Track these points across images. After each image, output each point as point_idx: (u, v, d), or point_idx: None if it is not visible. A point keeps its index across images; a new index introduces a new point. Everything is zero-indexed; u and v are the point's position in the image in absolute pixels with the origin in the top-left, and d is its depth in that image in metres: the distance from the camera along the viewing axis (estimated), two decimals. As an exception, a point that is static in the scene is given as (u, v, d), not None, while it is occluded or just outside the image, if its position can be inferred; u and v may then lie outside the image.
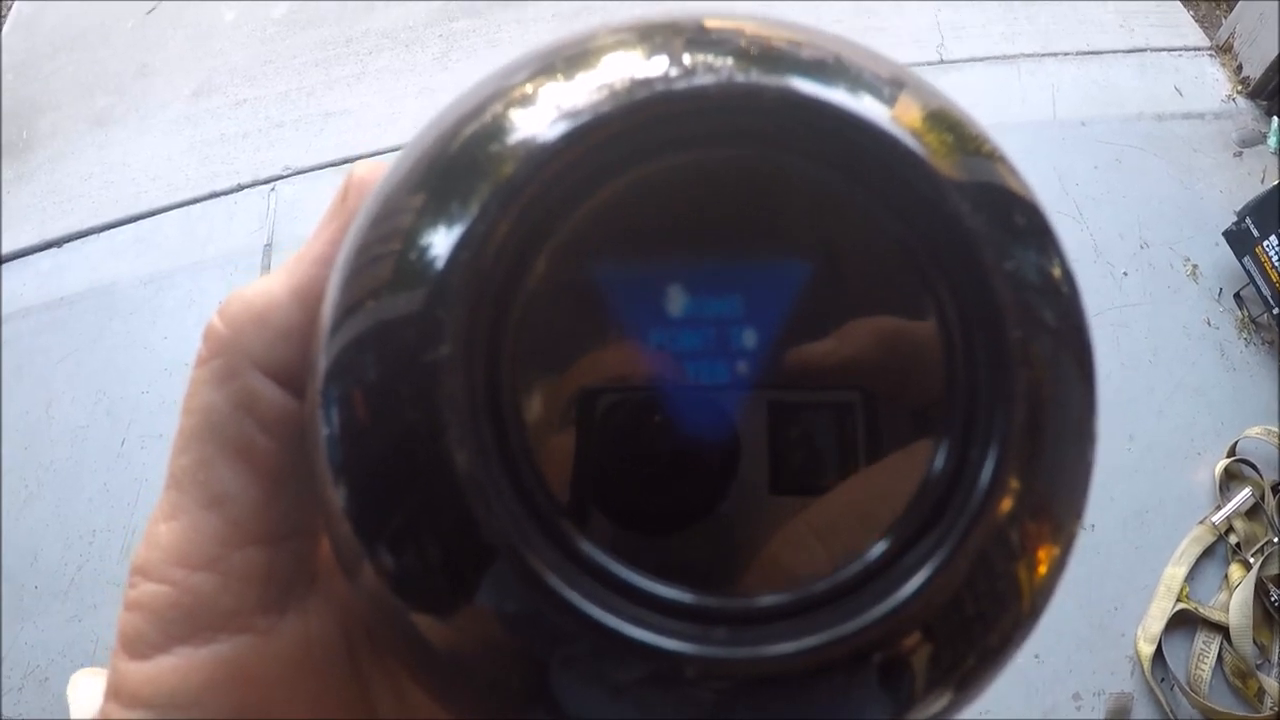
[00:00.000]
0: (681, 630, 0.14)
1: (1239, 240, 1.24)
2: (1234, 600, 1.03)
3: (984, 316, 0.15)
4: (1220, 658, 1.03)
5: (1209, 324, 1.25)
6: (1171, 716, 1.00)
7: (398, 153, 0.17)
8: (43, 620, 1.15)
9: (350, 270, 0.16)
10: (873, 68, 0.16)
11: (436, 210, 0.15)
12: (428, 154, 0.16)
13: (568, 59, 0.16)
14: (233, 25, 1.79)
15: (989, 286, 0.14)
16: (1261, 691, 1.00)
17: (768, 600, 0.14)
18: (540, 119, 0.15)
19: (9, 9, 1.90)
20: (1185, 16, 1.62)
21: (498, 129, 0.15)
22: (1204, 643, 1.03)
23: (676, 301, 0.15)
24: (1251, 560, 1.06)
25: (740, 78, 0.15)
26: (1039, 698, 1.02)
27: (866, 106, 0.15)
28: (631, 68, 0.15)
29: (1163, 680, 1.02)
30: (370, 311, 0.15)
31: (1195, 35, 1.59)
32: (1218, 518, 1.09)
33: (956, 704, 0.15)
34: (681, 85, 0.15)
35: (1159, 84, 1.50)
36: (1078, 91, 1.49)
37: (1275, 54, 1.41)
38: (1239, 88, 1.49)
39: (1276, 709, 0.99)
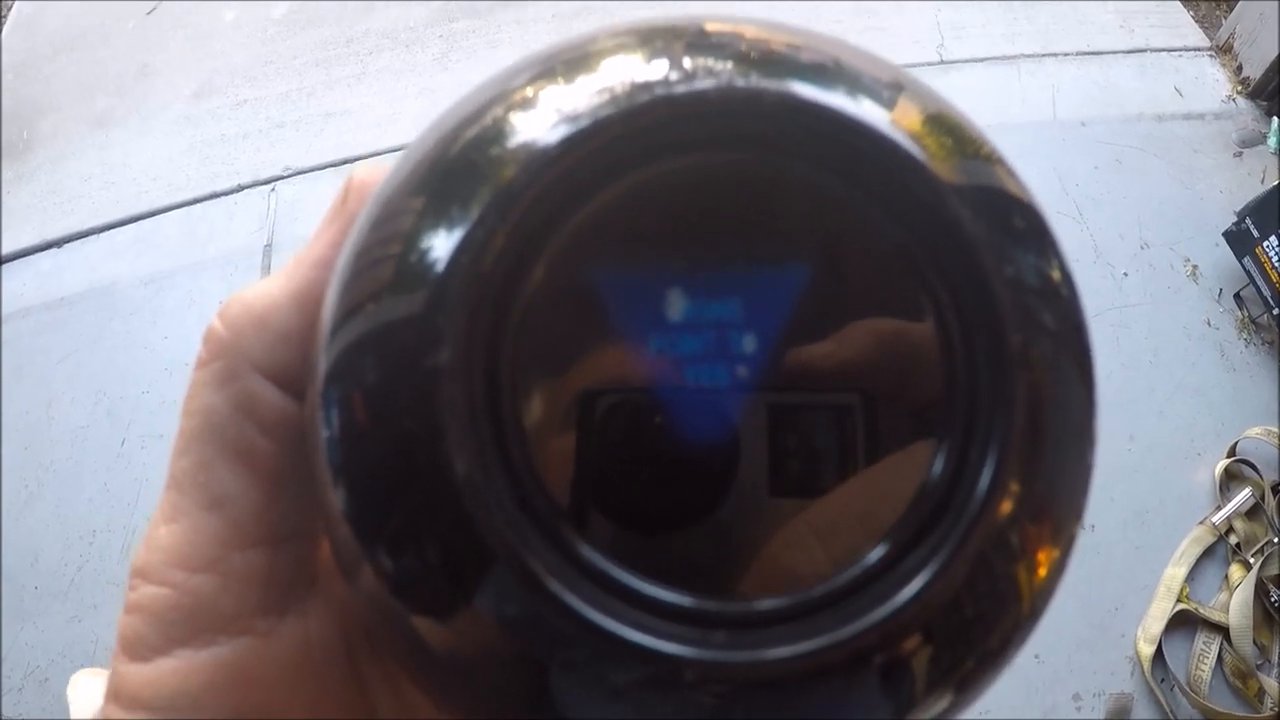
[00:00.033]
0: (681, 634, 0.14)
1: (1239, 241, 1.24)
2: (1234, 601, 1.03)
3: (984, 320, 0.15)
4: (1220, 658, 1.03)
5: (1209, 324, 1.25)
6: (1172, 717, 1.00)
7: (398, 156, 0.17)
8: (43, 620, 1.15)
9: (350, 273, 0.16)
10: (871, 71, 0.16)
11: (437, 214, 0.15)
12: (428, 157, 0.16)
13: (568, 62, 0.16)
14: (233, 26, 1.79)
15: (989, 290, 0.14)
16: (1262, 692, 1.00)
17: (767, 604, 0.14)
18: (540, 123, 0.15)
19: (9, 9, 1.90)
20: (1185, 17, 1.62)
21: (498, 132, 0.15)
22: (1204, 643, 1.03)
23: (676, 305, 0.15)
24: (1251, 561, 1.06)
25: (740, 82, 0.15)
26: (1039, 698, 1.02)
27: (866, 110, 0.15)
28: (632, 71, 0.15)
29: (1163, 681, 1.02)
30: (370, 314, 0.15)
31: (1195, 36, 1.59)
32: (1218, 518, 1.09)
33: (957, 705, 0.15)
34: (682, 89, 0.15)
35: (1159, 84, 1.51)
36: (1078, 92, 1.49)
37: (1275, 54, 1.41)
38: (1239, 88, 1.49)
39: (1277, 709, 0.99)
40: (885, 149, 0.15)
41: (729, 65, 0.15)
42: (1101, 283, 1.28)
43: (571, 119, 0.15)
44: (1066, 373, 0.15)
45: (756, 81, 0.15)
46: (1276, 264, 1.18)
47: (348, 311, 0.16)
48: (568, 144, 0.14)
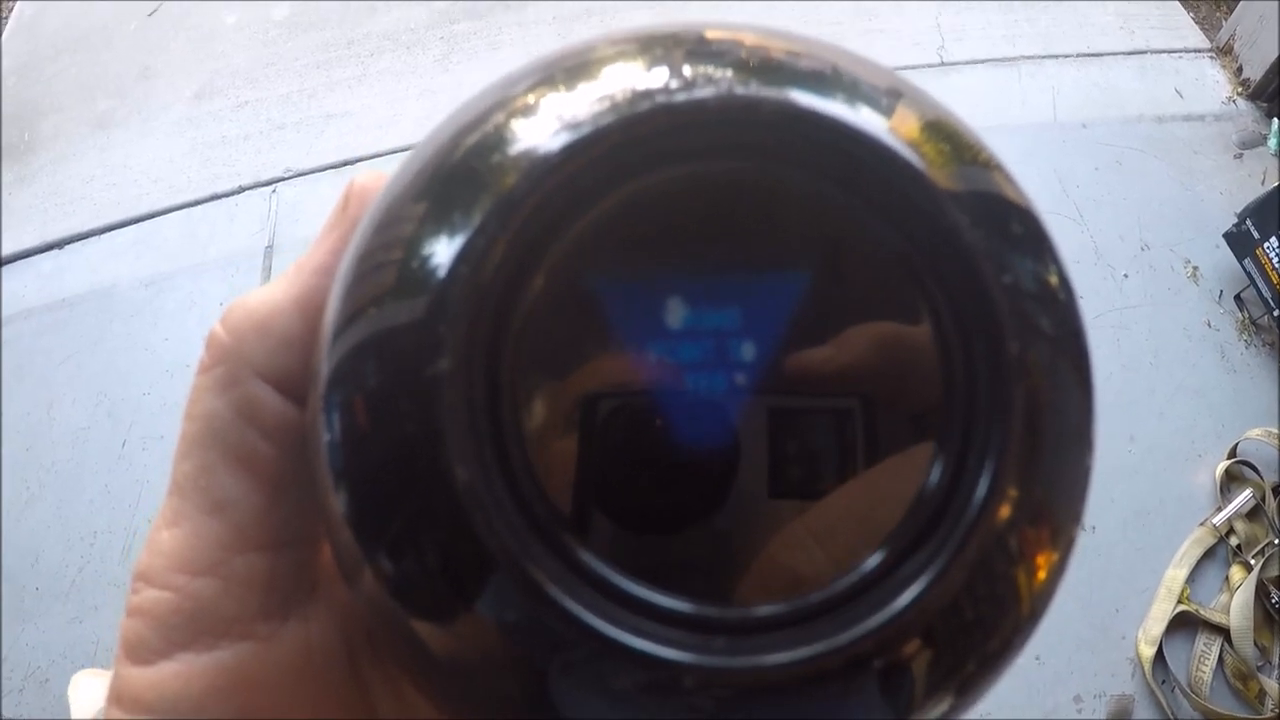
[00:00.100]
0: (681, 639, 0.14)
1: (1239, 242, 1.24)
2: (1235, 602, 1.03)
3: (982, 326, 0.15)
4: (1221, 660, 1.03)
5: (1209, 326, 1.25)
6: (1172, 718, 1.00)
7: (400, 162, 0.17)
8: (43, 621, 1.15)
9: (352, 278, 0.16)
10: (870, 78, 0.16)
11: (438, 220, 0.15)
12: (429, 163, 0.16)
13: (569, 70, 0.16)
14: (234, 27, 1.79)
15: (987, 296, 0.14)
16: (1262, 693, 1.00)
17: (767, 609, 0.14)
18: (541, 130, 0.15)
19: (10, 11, 1.90)
20: (1185, 18, 1.62)
21: (499, 140, 0.15)
22: (1205, 645, 1.03)
23: (676, 313, 0.15)
24: (1252, 562, 1.06)
25: (740, 90, 0.15)
26: (1040, 699, 1.02)
27: (864, 118, 0.15)
28: (632, 79, 0.15)
29: (1164, 682, 1.02)
30: (372, 320, 0.15)
31: (1195, 37, 1.59)
32: (1218, 519, 1.09)
33: (957, 708, 0.15)
34: (681, 98, 0.15)
35: (1159, 86, 1.51)
36: (1078, 93, 1.49)
37: (1275, 56, 1.41)
38: (1239, 90, 1.49)
39: (1277, 711, 0.99)
40: (884, 157, 0.15)
41: (729, 73, 0.15)
42: (1102, 284, 1.28)
43: (572, 127, 0.15)
44: (1064, 377, 0.15)
45: (756, 90, 0.15)
46: (1277, 265, 1.18)
47: (350, 317, 0.16)
48: (568, 152, 0.14)
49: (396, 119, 1.58)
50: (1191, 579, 1.07)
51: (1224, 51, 1.54)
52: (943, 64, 1.55)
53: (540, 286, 0.15)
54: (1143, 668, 1.03)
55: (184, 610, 0.18)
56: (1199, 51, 1.56)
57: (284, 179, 1.52)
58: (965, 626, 0.15)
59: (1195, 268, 1.30)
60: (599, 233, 0.15)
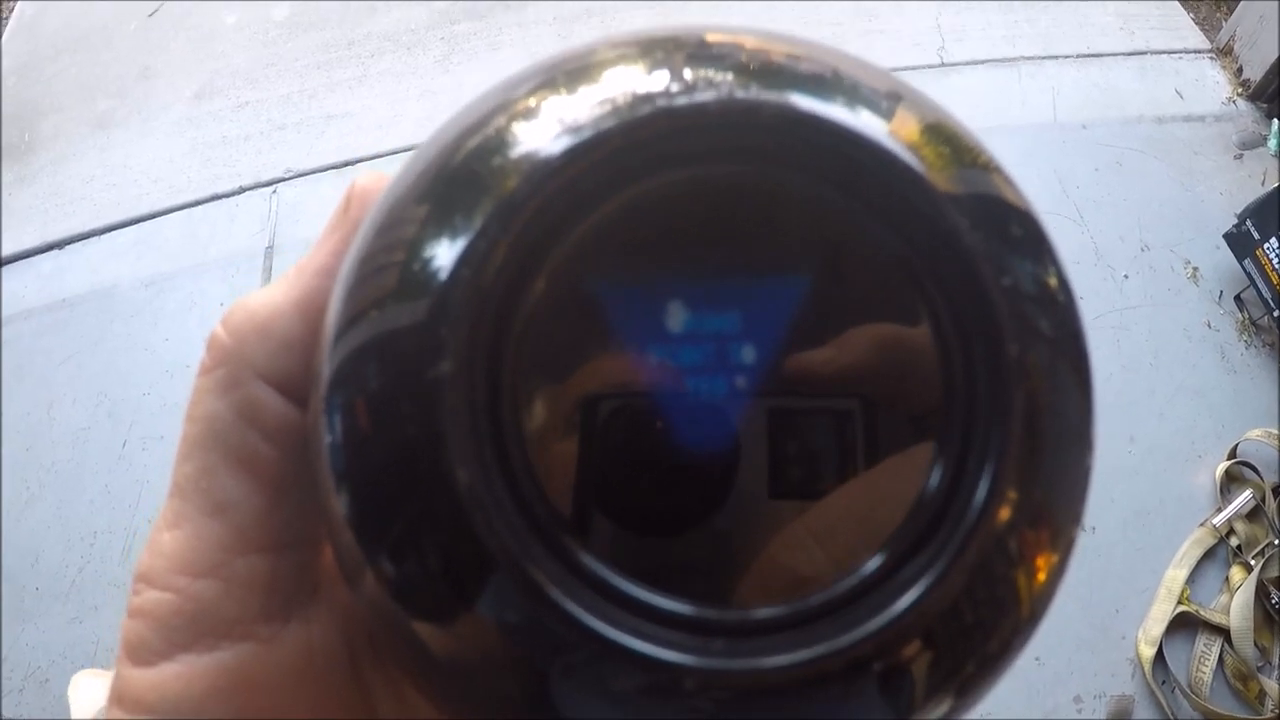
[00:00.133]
0: (681, 641, 0.14)
1: (1239, 243, 1.24)
2: (1235, 603, 1.03)
3: (982, 328, 0.15)
4: (1221, 660, 1.03)
5: (1209, 326, 1.25)
6: (1172, 719, 1.00)
7: (401, 163, 0.17)
8: (43, 621, 1.15)
9: (354, 280, 0.16)
10: (870, 81, 0.16)
11: (439, 223, 0.15)
12: (431, 166, 0.16)
13: (570, 73, 0.16)
14: (235, 28, 1.79)
15: (986, 299, 0.15)
16: (1262, 694, 1.00)
17: (767, 611, 0.14)
18: (542, 134, 0.15)
19: (10, 11, 1.90)
20: (1186, 19, 1.62)
21: (500, 143, 0.15)
22: (1205, 645, 1.03)
23: (677, 316, 0.15)
24: (1252, 562, 1.06)
25: (740, 94, 0.15)
26: (1040, 700, 1.02)
27: (864, 122, 0.15)
28: (633, 83, 0.15)
29: (1164, 683, 1.02)
30: (374, 321, 0.15)
31: (1196, 38, 1.59)
32: (1218, 520, 1.09)
33: (957, 709, 0.15)
34: (682, 101, 0.15)
35: (1159, 86, 1.51)
36: (1078, 94, 1.49)
37: (1276, 56, 1.41)
38: (1239, 90, 1.49)
39: (1277, 711, 0.99)
40: (884, 160, 0.15)
41: (729, 77, 0.15)
42: (1102, 285, 1.28)
43: (574, 130, 0.15)
44: (1064, 379, 0.15)
45: (756, 93, 0.15)
46: (1277, 266, 1.18)
47: (351, 319, 0.16)
48: (570, 155, 0.14)
49: (397, 120, 1.58)
50: (1191, 579, 1.07)
51: (1224, 52, 1.54)
52: (943, 65, 1.55)
53: (541, 289, 0.15)
54: (1143, 668, 1.03)
55: (185, 612, 0.18)
56: (1199, 52, 1.56)
57: (284, 179, 1.52)
58: (965, 628, 0.15)
59: (1195, 268, 1.30)
60: (600, 236, 0.15)
